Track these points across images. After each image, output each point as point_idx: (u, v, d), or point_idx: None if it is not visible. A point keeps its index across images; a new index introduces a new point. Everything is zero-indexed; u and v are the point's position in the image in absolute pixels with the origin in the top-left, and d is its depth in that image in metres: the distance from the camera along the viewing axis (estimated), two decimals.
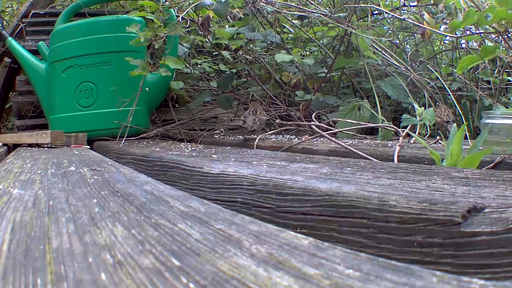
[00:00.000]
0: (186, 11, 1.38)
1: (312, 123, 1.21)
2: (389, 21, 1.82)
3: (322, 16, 1.54)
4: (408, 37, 1.87)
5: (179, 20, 1.29)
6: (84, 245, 0.30)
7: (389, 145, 0.98)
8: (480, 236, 0.34)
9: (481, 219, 0.35)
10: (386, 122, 1.20)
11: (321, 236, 0.45)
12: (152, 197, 0.46)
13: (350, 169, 0.62)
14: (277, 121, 1.42)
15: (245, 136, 1.26)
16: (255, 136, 1.24)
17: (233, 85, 1.80)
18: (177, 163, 0.76)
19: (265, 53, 1.90)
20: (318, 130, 1.16)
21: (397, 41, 1.77)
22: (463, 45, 1.65)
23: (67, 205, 0.43)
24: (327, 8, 1.70)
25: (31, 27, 1.81)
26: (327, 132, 1.15)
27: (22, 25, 1.79)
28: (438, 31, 1.42)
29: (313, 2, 1.68)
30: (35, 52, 1.59)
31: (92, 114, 1.47)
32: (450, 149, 0.70)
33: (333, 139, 1.05)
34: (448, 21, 1.43)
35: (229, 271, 0.24)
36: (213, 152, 0.95)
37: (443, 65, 1.69)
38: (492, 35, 1.22)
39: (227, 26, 1.73)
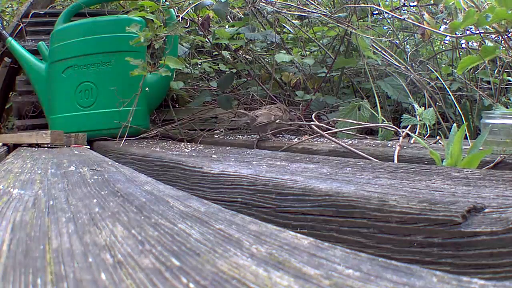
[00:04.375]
0: (186, 11, 1.38)
1: (312, 123, 1.21)
2: (389, 21, 1.82)
3: (322, 16, 1.54)
4: (408, 37, 1.87)
5: (179, 20, 1.28)
6: (84, 245, 0.30)
7: (389, 145, 0.98)
8: (480, 236, 0.34)
9: (481, 219, 0.35)
10: (386, 122, 1.20)
11: (321, 236, 0.45)
12: (152, 197, 0.46)
13: (350, 169, 0.62)
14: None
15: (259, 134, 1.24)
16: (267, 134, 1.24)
17: (233, 85, 1.80)
18: (177, 163, 0.76)
19: (265, 53, 1.90)
20: (318, 130, 1.16)
21: (397, 41, 1.77)
22: (463, 45, 1.65)
23: (67, 205, 0.43)
24: (327, 8, 1.70)
25: (31, 27, 1.81)
26: (327, 132, 1.15)
27: (22, 25, 1.79)
28: (438, 31, 1.42)
29: (313, 2, 1.68)
30: (35, 52, 1.59)
31: (92, 114, 1.48)
32: (450, 149, 0.70)
33: (333, 139, 1.05)
34: (448, 21, 1.43)
35: (229, 271, 0.24)
36: (213, 152, 0.95)
37: (443, 65, 1.69)
38: (492, 35, 1.22)
39: (227, 26, 1.73)
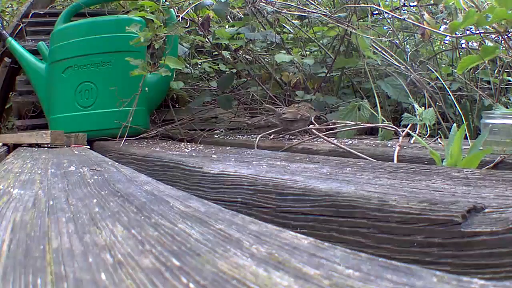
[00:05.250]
0: (186, 11, 1.38)
1: (311, 126, 1.20)
2: (389, 21, 1.82)
3: (322, 16, 1.54)
4: (408, 37, 1.87)
5: (179, 20, 1.28)
6: (84, 245, 0.30)
7: (389, 145, 0.98)
8: (480, 236, 0.34)
9: (481, 219, 0.35)
10: (386, 122, 1.20)
11: (321, 236, 0.45)
12: (152, 197, 0.46)
13: (350, 169, 0.62)
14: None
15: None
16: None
17: (233, 85, 1.80)
18: (177, 163, 0.76)
19: (265, 53, 1.89)
20: (316, 133, 1.15)
21: (397, 41, 1.76)
22: (463, 45, 1.65)
23: (67, 205, 0.43)
24: (327, 8, 1.70)
25: (31, 27, 1.81)
26: (326, 133, 1.15)
27: (22, 25, 1.79)
28: (438, 31, 1.42)
29: (313, 2, 1.68)
30: (35, 52, 1.59)
31: (92, 114, 1.47)
32: (450, 149, 0.70)
33: (331, 140, 1.05)
34: (448, 21, 1.43)
35: (229, 271, 0.24)
36: (213, 152, 0.95)
37: (443, 65, 1.69)
38: (492, 35, 1.22)
39: (227, 26, 1.73)
